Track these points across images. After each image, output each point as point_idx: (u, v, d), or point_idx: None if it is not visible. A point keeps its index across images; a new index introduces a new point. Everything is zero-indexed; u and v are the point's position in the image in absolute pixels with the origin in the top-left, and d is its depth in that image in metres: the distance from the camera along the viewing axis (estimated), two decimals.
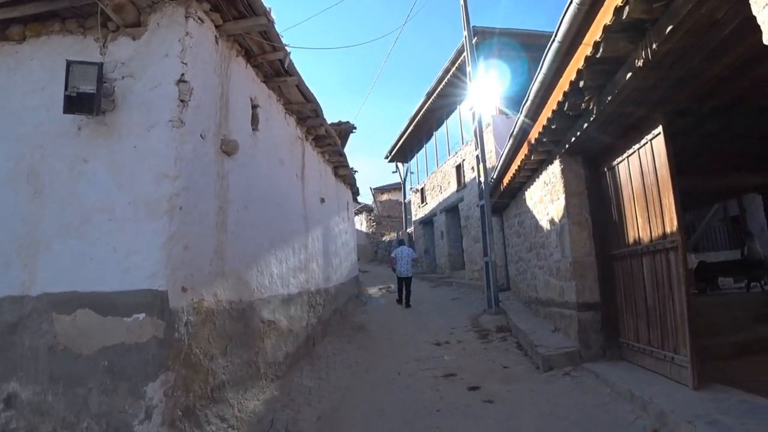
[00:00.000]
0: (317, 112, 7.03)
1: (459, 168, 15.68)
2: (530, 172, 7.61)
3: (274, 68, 5.70)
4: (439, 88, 14.86)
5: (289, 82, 5.97)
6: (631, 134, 4.92)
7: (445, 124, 17.28)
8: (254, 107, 5.43)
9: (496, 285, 9.33)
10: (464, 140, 15.04)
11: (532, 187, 7.79)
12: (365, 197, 31.32)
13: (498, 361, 6.59)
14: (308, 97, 6.58)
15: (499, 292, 11.21)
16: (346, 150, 10.41)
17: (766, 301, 7.90)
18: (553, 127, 5.45)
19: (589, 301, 5.87)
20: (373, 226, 27.76)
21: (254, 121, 5.41)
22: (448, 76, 13.80)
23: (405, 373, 6.24)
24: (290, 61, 5.63)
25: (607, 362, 5.49)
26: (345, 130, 12.19)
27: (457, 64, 12.76)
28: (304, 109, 6.89)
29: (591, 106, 4.71)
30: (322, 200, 8.19)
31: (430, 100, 15.86)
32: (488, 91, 12.42)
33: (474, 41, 11.24)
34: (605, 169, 5.66)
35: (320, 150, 8.45)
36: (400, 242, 14.01)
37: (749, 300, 8.01)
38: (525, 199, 8.38)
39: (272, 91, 6.06)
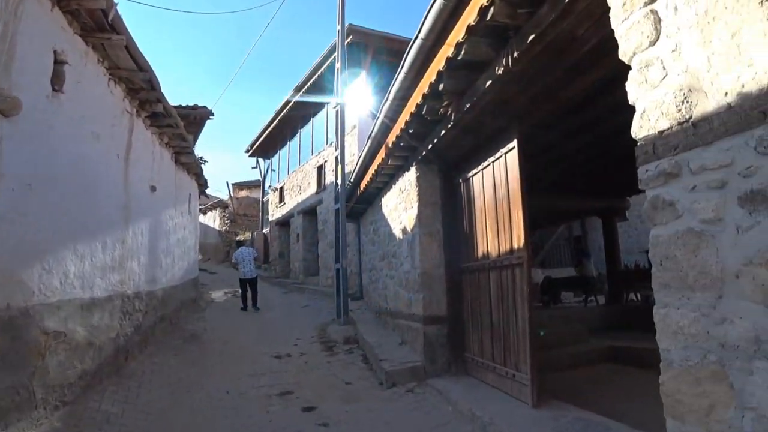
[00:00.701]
0: (153, 84, 5.96)
1: (321, 169, 15.16)
2: (387, 178, 7.35)
3: (96, 21, 4.61)
4: (308, 84, 14.21)
5: (114, 41, 4.88)
6: (487, 146, 4.81)
7: (311, 122, 16.66)
8: (59, 63, 4.30)
9: (346, 293, 8.94)
10: (329, 141, 14.56)
11: (388, 193, 7.54)
12: (222, 192, 29.30)
13: (341, 376, 6.14)
14: (141, 64, 5.52)
15: (352, 301, 10.89)
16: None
17: (599, 315, 8.62)
18: (411, 131, 5.17)
19: (436, 314, 5.70)
20: (227, 223, 25.87)
21: (57, 79, 4.27)
22: (320, 72, 13.23)
23: (235, 392, 5.48)
24: (117, 14, 4.60)
25: (452, 377, 5.36)
26: (201, 115, 10.94)
27: (329, 61, 12.24)
28: (135, 78, 5.77)
29: (450, 113, 4.48)
30: (153, 189, 7.03)
31: (299, 94, 15.13)
32: (358, 92, 12.11)
33: (348, 40, 10.85)
34: (460, 180, 5.55)
35: (157, 131, 7.28)
36: (239, 243, 13.48)
37: (586, 314, 8.67)
38: (381, 206, 8.12)
39: (92, 49, 4.92)
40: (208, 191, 15.72)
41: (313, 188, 15.78)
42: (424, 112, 4.65)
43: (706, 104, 1.88)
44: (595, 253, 12.91)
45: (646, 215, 2.13)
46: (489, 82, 3.75)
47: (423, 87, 4.40)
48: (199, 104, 10.66)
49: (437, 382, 5.23)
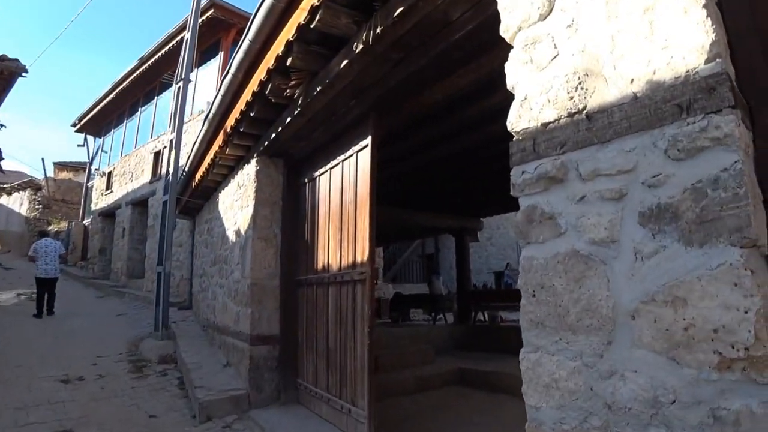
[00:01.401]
0: None
1: (158, 156, 13.33)
2: (227, 171, 6.37)
3: None
4: (157, 56, 12.43)
5: None
6: (339, 142, 4.21)
7: (155, 101, 14.68)
8: None
9: (167, 302, 7.64)
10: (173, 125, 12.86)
11: (226, 188, 6.55)
12: (39, 170, 24.68)
13: (146, 406, 4.95)
14: None
15: (180, 310, 9.52)
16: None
17: (447, 335, 8.50)
18: (252, 114, 4.36)
19: (266, 333, 4.89)
20: (38, 209, 21.65)
21: None
22: (171, 45, 11.61)
23: None
24: None
25: (282, 408, 4.60)
26: (8, 69, 8.67)
27: (183, 34, 10.75)
28: None
29: (298, 96, 3.79)
30: None
31: (144, 66, 13.18)
32: (214, 74, 10.82)
33: (209, 14, 9.61)
34: (306, 180, 4.87)
35: None
36: (42, 234, 10.71)
37: (433, 333, 8.49)
38: (218, 203, 7.08)
39: None
40: (17, 168, 12.81)
41: (147, 177, 13.80)
42: (268, 92, 3.88)
43: (606, 93, 1.46)
44: (446, 271, 13.19)
45: (518, 231, 1.66)
46: (345, 62, 3.15)
47: (269, 60, 3.65)
48: (10, 56, 8.46)
49: (262, 414, 4.42)
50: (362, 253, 3.60)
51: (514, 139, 1.71)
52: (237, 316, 5.37)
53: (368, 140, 3.66)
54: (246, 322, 4.92)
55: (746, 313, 1.12)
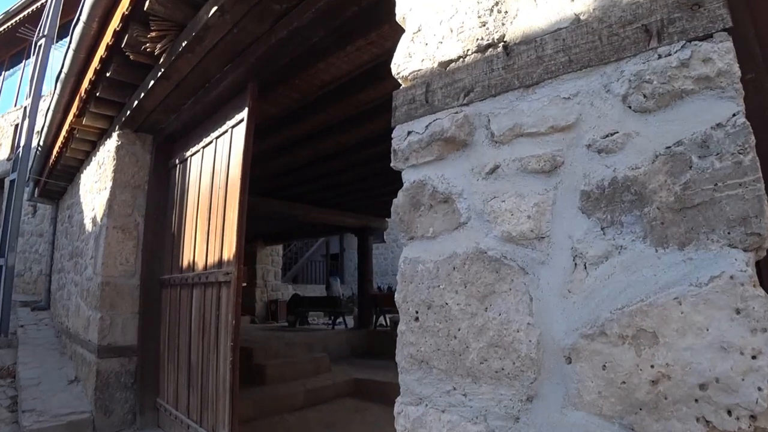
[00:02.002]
0: None
1: (18, 128, 11.43)
2: (89, 146, 5.31)
3: None
4: (27, 11, 10.62)
5: None
6: (215, 117, 3.49)
7: (23, 64, 12.63)
8: None
9: (9, 302, 6.35)
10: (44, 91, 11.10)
11: (88, 168, 5.50)
12: None
13: None
14: None
15: (35, 311, 8.12)
16: None
17: (345, 340, 7.91)
18: (108, 74, 3.50)
19: (119, 344, 4.01)
20: None
21: None
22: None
23: None
24: None
25: None
26: None
27: None
28: None
29: (161, 52, 3.04)
30: None
31: (9, 23, 11.25)
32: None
33: None
34: (177, 161, 4.07)
35: None
36: None
37: (331, 339, 7.89)
38: (80, 185, 5.97)
39: None
40: None
41: (5, 152, 11.81)
42: (124, 45, 3.08)
43: (535, 15, 0.96)
44: (351, 272, 12.59)
45: (398, 220, 1.11)
46: (215, 10, 2.49)
47: (125, 4, 2.87)
48: None
49: None
50: (230, 249, 2.92)
51: (400, 87, 1.17)
52: (88, 321, 4.42)
53: (244, 113, 3.00)
54: (94, 329, 4.02)
55: (754, 358, 0.66)
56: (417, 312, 1.02)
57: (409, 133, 1.07)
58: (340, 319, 9.80)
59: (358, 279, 9.00)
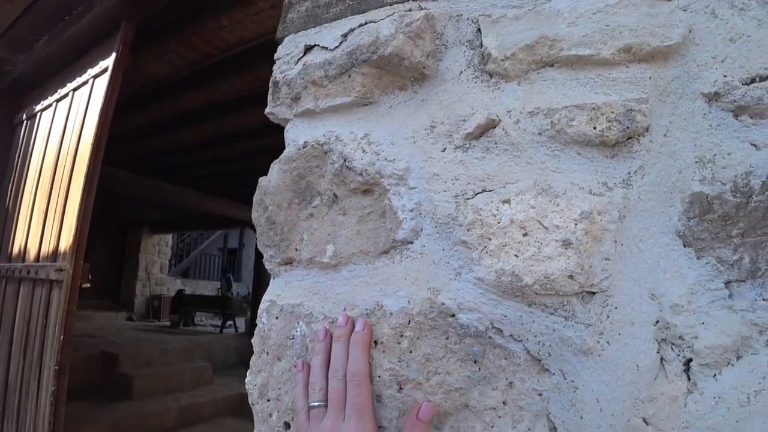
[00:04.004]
0: None
1: None
2: None
3: None
4: None
5: None
6: (77, 64, 2.72)
7: None
8: None
9: None
10: None
11: None
12: None
13: None
14: None
15: None
16: None
17: (234, 347, 7.07)
18: None
19: None
20: None
21: None
22: None
23: None
24: None
25: None
26: None
27: None
28: None
29: None
30: None
31: None
32: None
33: None
34: (25, 117, 3.20)
35: None
36: None
37: (217, 344, 7.03)
38: None
39: None
40: None
41: None
42: None
43: None
44: (249, 270, 11.59)
45: (263, 223, 0.55)
46: None
47: None
48: None
49: None
50: (68, 237, 2.18)
51: None
52: None
53: (110, 60, 2.28)
54: None
55: None
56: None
57: (307, 49, 0.53)
58: (230, 322, 8.94)
59: (254, 276, 8.16)
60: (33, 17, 2.58)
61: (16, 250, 2.80)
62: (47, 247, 2.41)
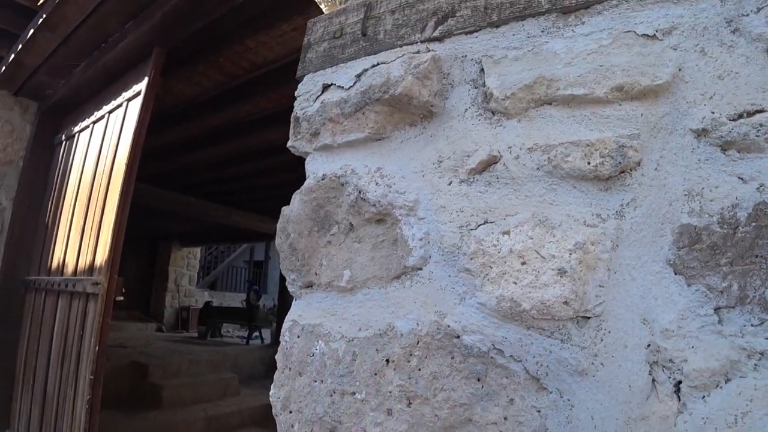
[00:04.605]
0: None
1: None
2: None
3: None
4: None
5: None
6: (112, 87, 2.85)
7: None
8: None
9: None
10: None
11: None
12: None
13: None
14: None
15: None
16: None
17: (260, 358, 7.17)
18: None
19: None
20: None
21: None
22: None
23: None
24: None
25: None
26: None
27: None
28: None
29: None
30: None
31: None
32: None
33: None
34: (64, 137, 3.36)
35: None
36: None
37: (244, 355, 7.13)
38: None
39: None
40: None
41: None
42: None
43: None
44: (275, 282, 11.72)
45: (285, 249, 0.61)
46: None
47: None
48: None
49: None
50: (103, 251, 2.29)
51: (313, 19, 0.68)
52: None
53: (143, 84, 2.40)
54: None
55: None
56: None
57: (325, 87, 0.58)
58: (257, 333, 9.04)
59: (279, 289, 8.25)
60: (72, 45, 2.72)
61: (54, 264, 2.93)
62: (84, 262, 2.52)
